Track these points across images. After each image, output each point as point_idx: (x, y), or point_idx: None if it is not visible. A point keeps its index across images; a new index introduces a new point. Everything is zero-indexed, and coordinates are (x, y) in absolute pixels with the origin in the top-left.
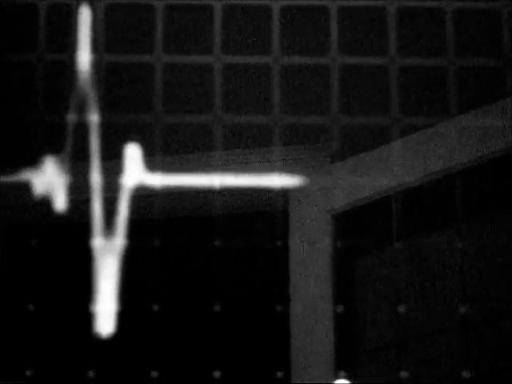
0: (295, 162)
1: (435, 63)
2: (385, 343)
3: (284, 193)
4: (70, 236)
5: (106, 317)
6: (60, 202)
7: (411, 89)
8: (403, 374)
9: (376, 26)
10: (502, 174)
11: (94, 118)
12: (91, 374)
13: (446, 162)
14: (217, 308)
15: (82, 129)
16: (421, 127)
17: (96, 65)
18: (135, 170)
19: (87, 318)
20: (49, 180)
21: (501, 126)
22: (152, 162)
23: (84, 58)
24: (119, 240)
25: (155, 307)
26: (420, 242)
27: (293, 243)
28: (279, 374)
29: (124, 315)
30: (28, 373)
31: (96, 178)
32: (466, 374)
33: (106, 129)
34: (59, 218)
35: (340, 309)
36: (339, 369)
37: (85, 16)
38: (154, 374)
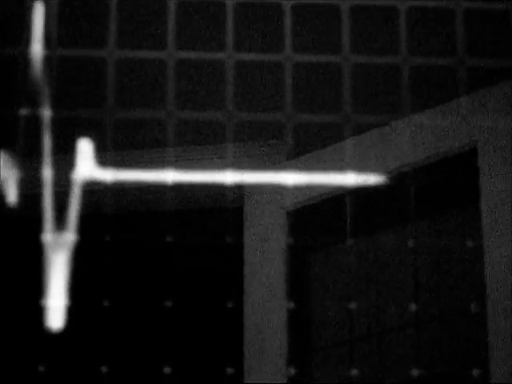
0: (250, 158)
1: (388, 61)
2: (337, 340)
3: (239, 189)
4: (20, 230)
5: (56, 311)
6: (11, 197)
7: (364, 87)
8: (354, 372)
9: (328, 23)
10: (455, 172)
11: (46, 112)
12: (41, 368)
13: (399, 160)
14: (168, 304)
15: (34, 123)
16: (374, 126)
17: (48, 59)
18: (87, 165)
19: (38, 312)
20: (0, 174)
21: (454, 125)
22: (104, 158)
23: (37, 52)
24: (70, 235)
25: (106, 302)
26: (373, 239)
27: (247, 240)
28: (231, 370)
29: (75, 310)
30: None
31: (48, 172)
32: (415, 372)
33: (58, 123)
34: (10, 212)
35: (293, 306)
36: (292, 365)
37: (38, 10)
38: (104, 369)
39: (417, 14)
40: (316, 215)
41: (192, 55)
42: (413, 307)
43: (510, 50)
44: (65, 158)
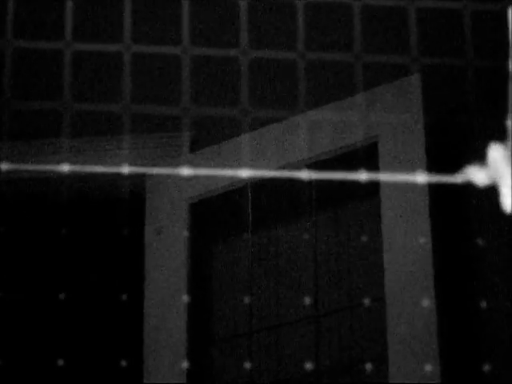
0: (152, 150)
1: (286, 56)
2: (235, 333)
3: (141, 181)
4: None
5: None
6: None
7: (262, 81)
8: (249, 364)
9: (227, 18)
10: (353, 166)
11: None
12: None
13: (297, 154)
14: (62, 297)
15: None
16: (272, 120)
17: None
18: None
19: None
20: None
21: (353, 120)
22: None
23: None
24: None
25: None
26: (273, 232)
27: (148, 231)
28: (127, 363)
29: None
30: None
31: None
32: (309, 366)
33: None
34: None
35: (192, 298)
36: (190, 358)
37: None
38: None
39: (315, 8)
40: (217, 207)
41: (91, 47)
42: (310, 300)
43: (406, 46)
44: None
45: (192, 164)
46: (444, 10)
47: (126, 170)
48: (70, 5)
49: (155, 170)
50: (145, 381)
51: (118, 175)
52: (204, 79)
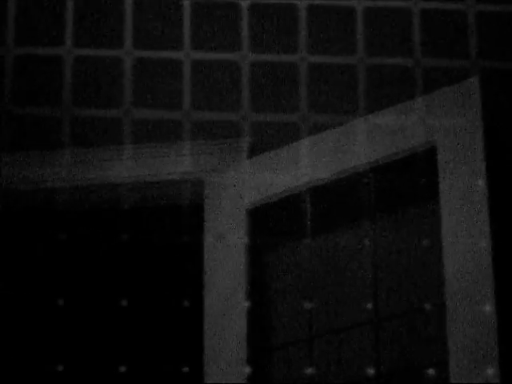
0: (210, 156)
1: (345, 61)
2: (295, 339)
3: (199, 187)
4: None
5: None
6: None
7: (321, 87)
8: (311, 370)
9: (286, 23)
10: (414, 171)
11: None
12: None
13: (356, 159)
14: (124, 303)
15: None
16: (331, 125)
17: None
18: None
19: None
20: None
21: (412, 124)
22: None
23: None
24: None
25: (60, 301)
26: (331, 238)
27: (207, 238)
28: (188, 370)
29: (28, 309)
30: None
31: None
32: (370, 371)
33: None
34: None
35: (253, 303)
36: (250, 364)
37: None
38: (60, 367)
39: (373, 13)
40: (275, 213)
41: (150, 54)
42: (371, 305)
43: (465, 50)
44: None
45: (250, 170)
46: (503, 12)
47: (184, 176)
48: (129, 11)
49: (214, 177)
50: None
51: (178, 182)
52: (263, 85)
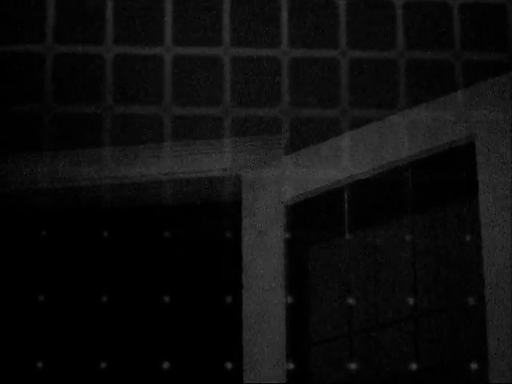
0: (248, 153)
1: (385, 56)
2: (336, 334)
3: (237, 184)
4: None
5: None
6: None
7: (361, 81)
8: (352, 366)
9: (325, 18)
10: (453, 166)
11: None
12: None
13: (396, 154)
14: (166, 299)
15: None
16: (370, 120)
17: None
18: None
19: None
20: None
21: (451, 119)
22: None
23: None
24: None
25: (104, 298)
26: (370, 233)
27: (245, 234)
28: (230, 366)
29: (72, 306)
30: None
31: None
32: (413, 366)
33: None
34: None
35: (292, 300)
36: (290, 359)
37: None
38: (103, 365)
39: (413, 7)
40: (314, 209)
41: (188, 51)
42: (411, 301)
43: (505, 43)
44: None
45: (289, 166)
46: None
47: (223, 173)
48: (168, 10)
49: (252, 173)
50: (245, 381)
51: (217, 178)
52: (302, 80)
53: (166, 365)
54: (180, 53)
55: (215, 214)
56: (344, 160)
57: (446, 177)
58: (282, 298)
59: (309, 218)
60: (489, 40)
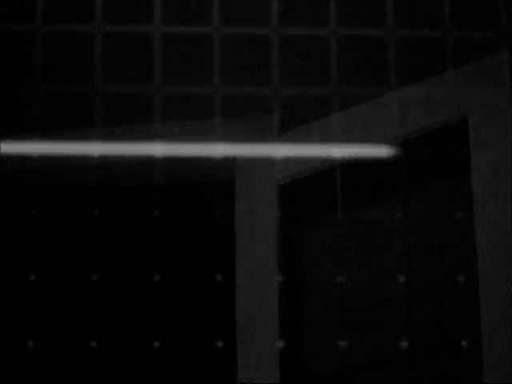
0: (239, 132)
1: (375, 33)
2: (328, 313)
3: (230, 163)
4: None
5: None
6: None
7: (351, 59)
8: (344, 343)
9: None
10: (445, 144)
11: None
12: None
13: (387, 133)
14: (157, 278)
15: None
16: (362, 99)
17: None
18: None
19: None
20: None
21: (441, 98)
22: (92, 132)
23: None
24: None
25: (94, 277)
26: (363, 212)
27: (239, 213)
28: (221, 344)
29: (65, 285)
30: None
31: None
32: (404, 344)
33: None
34: None
35: (284, 278)
36: (283, 338)
37: None
38: (94, 344)
39: None
40: (307, 188)
41: (179, 30)
42: (402, 279)
43: (497, 21)
44: None
45: (282, 145)
46: None
47: (215, 152)
48: None
49: (244, 152)
50: (238, 359)
51: (208, 158)
52: (293, 59)
53: (156, 344)
54: (170, 31)
55: (209, 194)
56: (334, 139)
57: (439, 155)
58: (275, 276)
59: (301, 197)
60: (480, 18)
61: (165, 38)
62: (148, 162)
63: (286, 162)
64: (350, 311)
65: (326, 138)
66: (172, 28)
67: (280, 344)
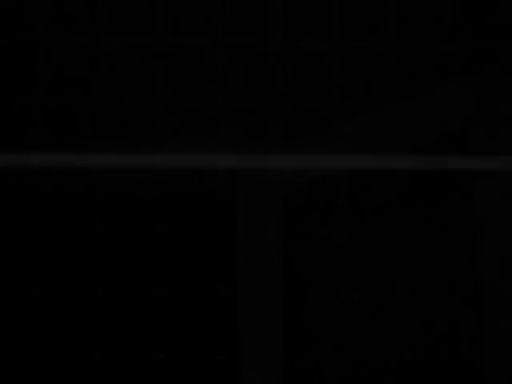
0: (246, 143)
1: (377, 46)
2: (332, 324)
3: (234, 173)
4: None
5: None
6: None
7: (352, 73)
8: (347, 356)
9: (319, 10)
10: (447, 153)
11: None
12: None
13: (391, 144)
14: (157, 291)
15: None
16: (364, 110)
17: None
18: None
19: None
20: None
21: (444, 108)
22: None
23: None
24: None
25: (99, 291)
26: (367, 222)
27: (243, 223)
28: (225, 357)
29: None
30: None
31: None
32: (408, 356)
33: None
34: None
35: (288, 290)
36: (286, 349)
37: None
38: (96, 355)
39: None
40: (312, 198)
41: (184, 42)
42: (405, 290)
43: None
44: None
45: (285, 156)
46: None
47: (222, 162)
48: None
49: (248, 164)
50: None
51: (212, 168)
52: (296, 71)
53: (160, 356)
54: (176, 43)
55: (212, 206)
56: (341, 149)
57: (441, 166)
58: (279, 284)
59: (305, 207)
60: (483, 28)
61: (169, 52)
62: (151, 173)
63: (291, 171)
64: (353, 322)
65: (331, 148)
66: (178, 40)
67: (282, 357)
